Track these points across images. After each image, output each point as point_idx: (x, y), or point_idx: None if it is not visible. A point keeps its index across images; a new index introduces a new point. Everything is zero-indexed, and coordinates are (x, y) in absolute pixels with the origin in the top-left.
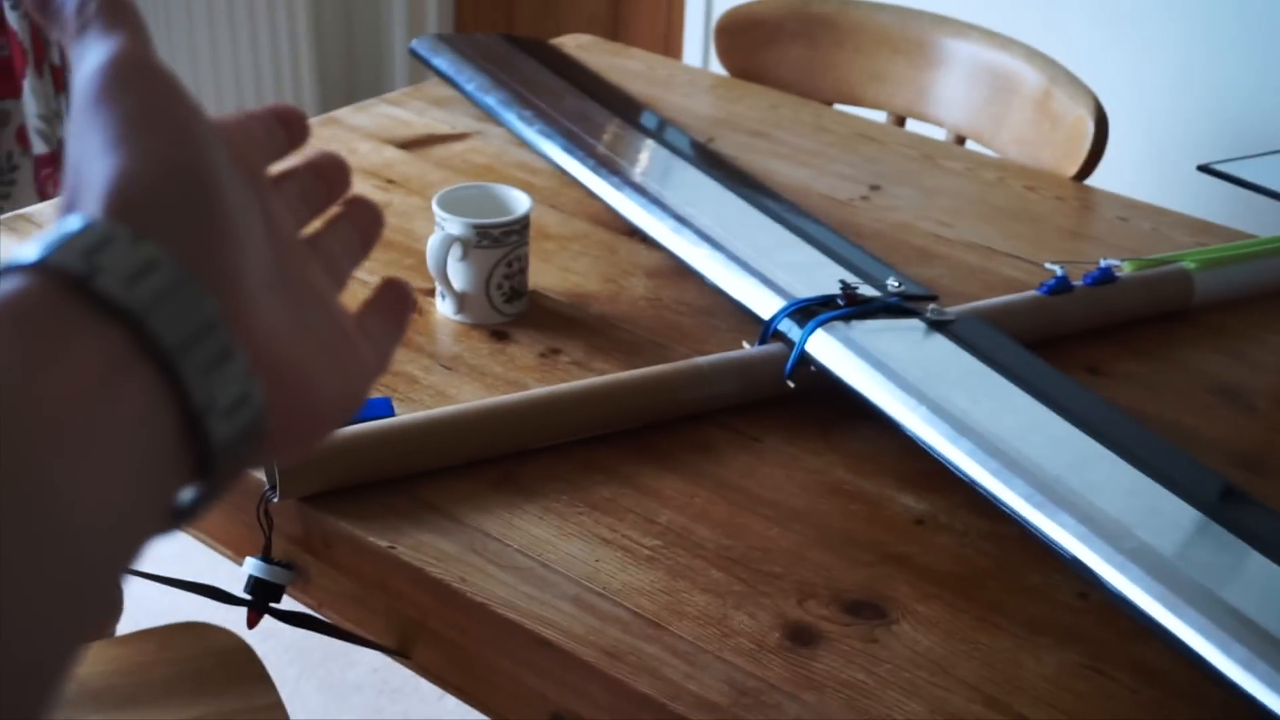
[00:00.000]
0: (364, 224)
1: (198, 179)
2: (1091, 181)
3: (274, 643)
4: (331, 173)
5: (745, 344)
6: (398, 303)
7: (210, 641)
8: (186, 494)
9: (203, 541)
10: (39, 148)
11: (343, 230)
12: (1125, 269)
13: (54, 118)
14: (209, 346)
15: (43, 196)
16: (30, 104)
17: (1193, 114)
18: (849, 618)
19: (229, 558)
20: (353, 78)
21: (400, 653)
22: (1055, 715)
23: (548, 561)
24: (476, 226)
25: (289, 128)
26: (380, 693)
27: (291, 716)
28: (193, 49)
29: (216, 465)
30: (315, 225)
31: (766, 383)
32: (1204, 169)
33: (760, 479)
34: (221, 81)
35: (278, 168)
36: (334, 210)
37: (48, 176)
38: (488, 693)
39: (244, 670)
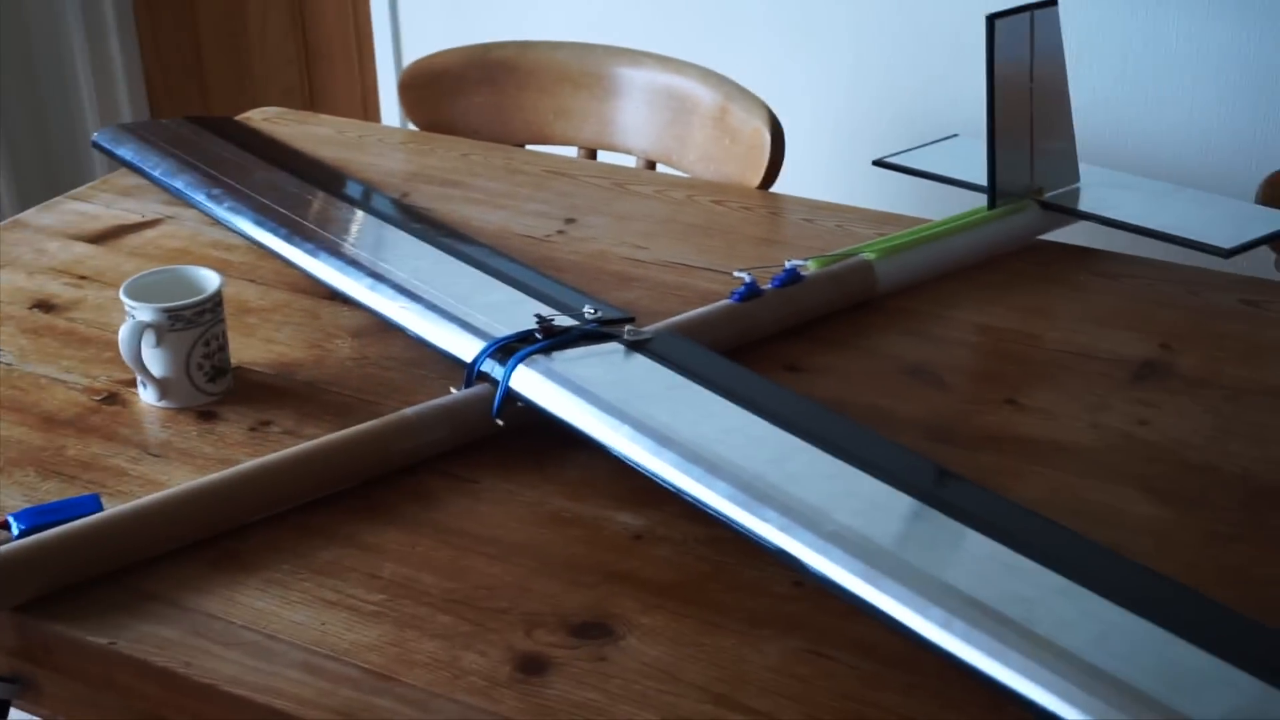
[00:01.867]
0: None
1: None
2: (779, 188)
3: None
4: None
5: (452, 389)
6: None
7: None
8: None
9: None
10: None
11: None
12: (811, 267)
13: None
14: None
15: None
16: None
17: (868, 112)
18: (577, 640)
19: None
20: (52, 173)
21: None
22: (781, 702)
23: (273, 633)
24: (167, 310)
25: None
26: None
27: None
28: None
29: None
30: None
31: (477, 424)
32: (878, 163)
33: (479, 519)
34: None
35: None
36: None
37: None
38: None
39: None
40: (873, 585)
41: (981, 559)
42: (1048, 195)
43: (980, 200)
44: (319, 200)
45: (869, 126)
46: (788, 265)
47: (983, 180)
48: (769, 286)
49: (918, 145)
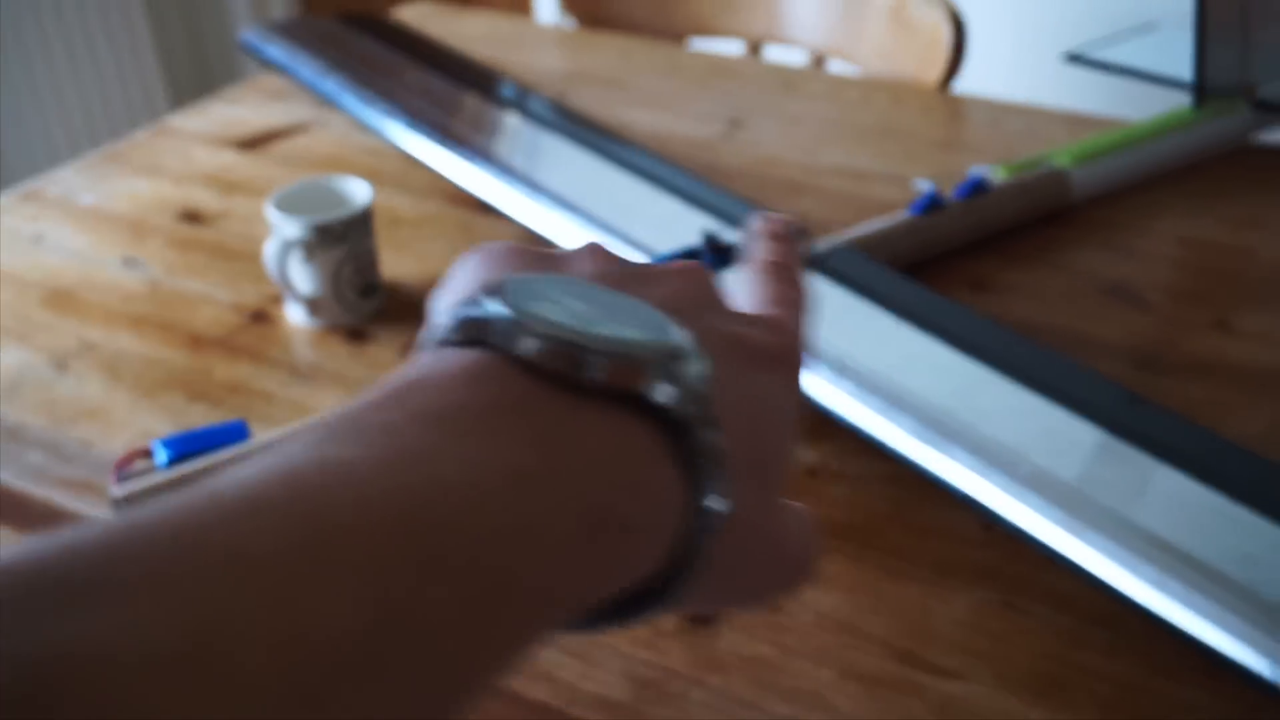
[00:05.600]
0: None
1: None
2: (963, 85)
3: None
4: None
5: None
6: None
7: None
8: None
9: None
10: None
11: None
12: (998, 175)
13: None
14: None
15: None
16: None
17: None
18: None
19: None
20: (204, 73)
21: None
22: (970, 660)
23: None
24: (315, 226)
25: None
26: None
27: None
28: (26, 64)
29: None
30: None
31: None
32: (1071, 58)
33: None
34: (64, 96)
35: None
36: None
37: None
38: None
39: None
40: (1076, 537)
41: (1196, 508)
42: (1262, 92)
43: (1184, 99)
44: (471, 103)
45: (1058, 16)
46: (972, 173)
47: (1187, 76)
48: (952, 197)
49: (1112, 37)
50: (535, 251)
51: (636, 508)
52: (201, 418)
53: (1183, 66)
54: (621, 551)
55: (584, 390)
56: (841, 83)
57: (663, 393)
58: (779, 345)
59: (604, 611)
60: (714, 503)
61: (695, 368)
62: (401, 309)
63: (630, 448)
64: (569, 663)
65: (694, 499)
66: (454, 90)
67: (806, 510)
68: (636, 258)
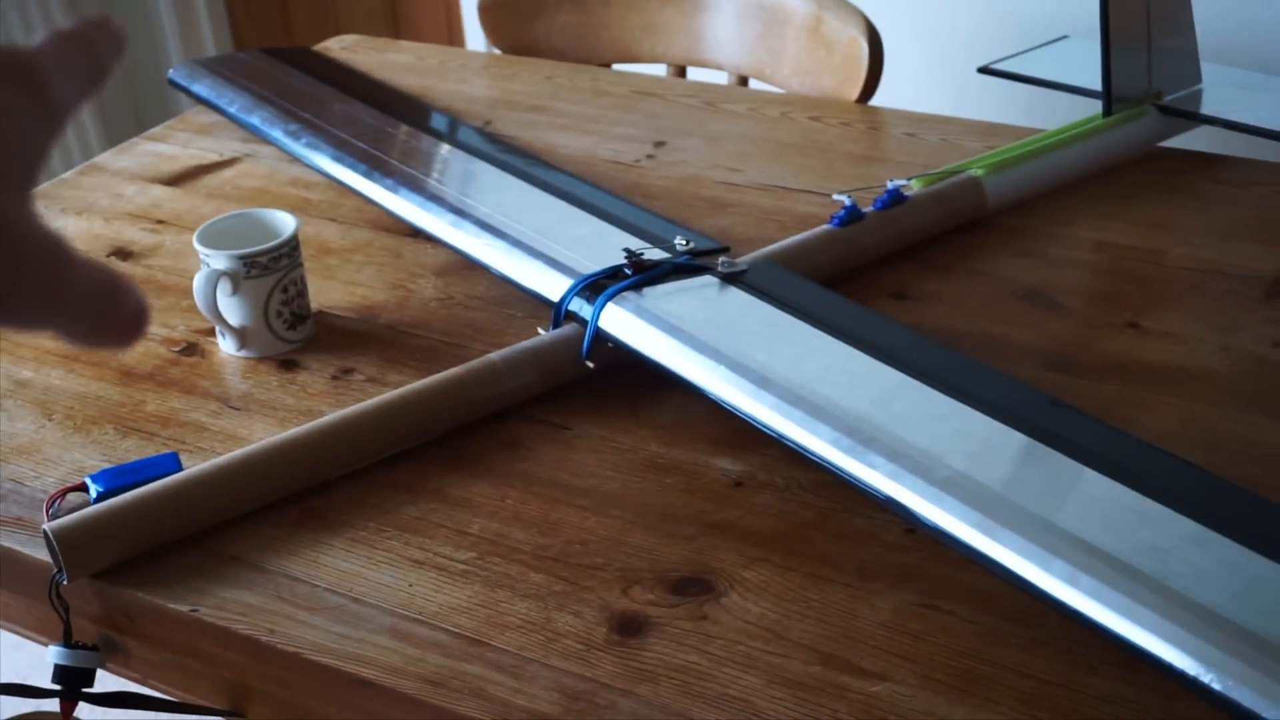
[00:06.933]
0: (97, 48)
1: None
2: (878, 100)
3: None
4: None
5: (540, 330)
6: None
7: None
8: None
9: (13, 631)
10: None
11: (71, 56)
12: (914, 186)
13: None
14: None
15: None
16: None
17: (970, 14)
18: (676, 598)
19: (43, 643)
20: (137, 111)
21: (236, 713)
22: (894, 661)
23: (359, 595)
24: (242, 257)
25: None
26: None
27: None
28: None
29: None
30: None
31: (566, 367)
32: (984, 70)
33: (572, 468)
34: None
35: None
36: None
37: None
38: None
39: None
40: (990, 537)
41: (1109, 504)
42: (1167, 99)
43: (1094, 107)
44: (399, 132)
45: (972, 30)
46: (890, 185)
47: (1096, 85)
48: (871, 209)
49: (1025, 49)
50: None
51: None
52: (134, 451)
53: (1093, 76)
54: None
55: None
56: (762, 100)
57: None
58: (7, 61)
59: None
60: None
61: None
62: (332, 337)
63: None
64: (500, 679)
65: None
66: (381, 120)
67: (104, 266)
68: None
